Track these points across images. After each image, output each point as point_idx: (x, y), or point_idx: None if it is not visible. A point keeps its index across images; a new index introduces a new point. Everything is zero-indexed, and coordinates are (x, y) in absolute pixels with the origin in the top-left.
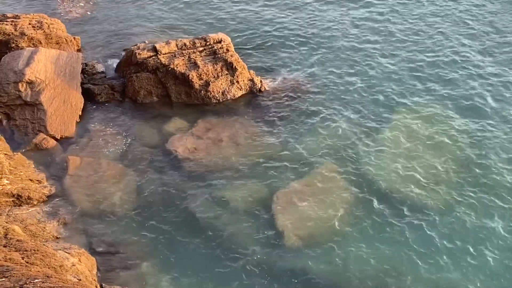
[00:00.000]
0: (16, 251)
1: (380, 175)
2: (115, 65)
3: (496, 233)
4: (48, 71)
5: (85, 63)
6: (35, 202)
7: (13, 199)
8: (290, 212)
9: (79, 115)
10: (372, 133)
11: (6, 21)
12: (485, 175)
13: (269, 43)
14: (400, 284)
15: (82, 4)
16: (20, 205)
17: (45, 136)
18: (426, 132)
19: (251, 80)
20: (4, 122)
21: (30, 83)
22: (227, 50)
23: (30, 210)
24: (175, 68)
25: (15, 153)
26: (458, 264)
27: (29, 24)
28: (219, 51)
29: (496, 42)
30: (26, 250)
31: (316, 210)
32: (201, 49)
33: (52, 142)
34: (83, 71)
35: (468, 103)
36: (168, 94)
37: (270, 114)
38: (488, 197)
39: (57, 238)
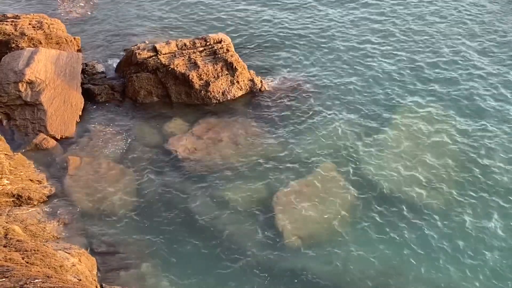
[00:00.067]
0: (16, 251)
1: (380, 175)
2: (115, 65)
3: (496, 233)
4: (48, 71)
5: (85, 63)
6: (35, 202)
7: (13, 199)
8: (290, 212)
9: (79, 115)
10: (372, 133)
11: (6, 21)
12: (485, 175)
13: (269, 43)
14: (400, 284)
15: (82, 4)
16: (20, 205)
17: (45, 136)
18: (426, 132)
19: (251, 80)
20: (4, 122)
21: (30, 83)
22: (227, 50)
23: (30, 210)
24: (175, 68)
25: (15, 153)
26: (458, 264)
27: (29, 24)
28: (219, 51)
29: (496, 42)
30: (26, 250)
31: (316, 210)
32: (201, 49)
33: (52, 142)
34: (83, 71)
35: (468, 103)
36: (168, 94)
37: (270, 114)
38: (488, 197)
39: (57, 238)
